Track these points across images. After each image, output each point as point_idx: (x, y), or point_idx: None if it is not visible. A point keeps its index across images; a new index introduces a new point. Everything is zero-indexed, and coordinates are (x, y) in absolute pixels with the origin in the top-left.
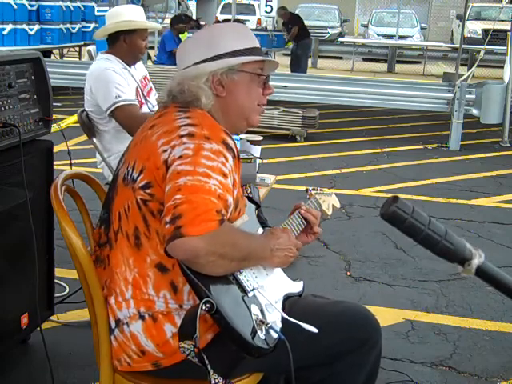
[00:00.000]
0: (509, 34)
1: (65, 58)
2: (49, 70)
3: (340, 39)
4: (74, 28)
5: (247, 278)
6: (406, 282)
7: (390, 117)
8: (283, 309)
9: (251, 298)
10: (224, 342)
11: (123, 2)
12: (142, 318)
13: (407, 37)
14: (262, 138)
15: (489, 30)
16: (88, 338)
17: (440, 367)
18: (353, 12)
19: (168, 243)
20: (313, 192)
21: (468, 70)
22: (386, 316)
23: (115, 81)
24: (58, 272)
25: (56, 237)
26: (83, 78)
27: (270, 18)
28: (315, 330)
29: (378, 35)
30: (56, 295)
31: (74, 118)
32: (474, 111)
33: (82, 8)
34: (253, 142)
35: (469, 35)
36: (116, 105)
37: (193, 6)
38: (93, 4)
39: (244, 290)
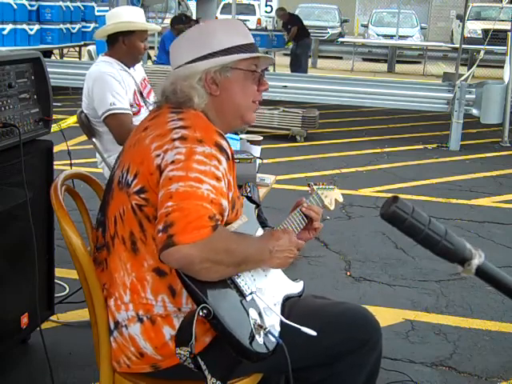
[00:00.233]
0: (509, 33)
1: (65, 58)
2: (49, 69)
3: (340, 39)
4: (74, 28)
5: (245, 281)
6: (406, 282)
7: (390, 117)
8: (283, 310)
9: (249, 301)
10: (222, 345)
11: (123, 2)
12: (140, 320)
13: (407, 37)
14: (262, 138)
15: (489, 29)
16: (88, 338)
17: (440, 367)
18: (353, 12)
19: (161, 252)
20: (315, 187)
21: (468, 69)
22: (386, 316)
23: (112, 88)
24: (58, 272)
25: (56, 237)
26: (83, 78)
27: (269, 18)
28: (314, 333)
29: (378, 35)
30: (56, 295)
31: (75, 118)
32: (474, 111)
33: (82, 8)
34: (253, 142)
35: (469, 35)
36: (109, 112)
37: (193, 6)
38: (93, 4)
39: (242, 294)
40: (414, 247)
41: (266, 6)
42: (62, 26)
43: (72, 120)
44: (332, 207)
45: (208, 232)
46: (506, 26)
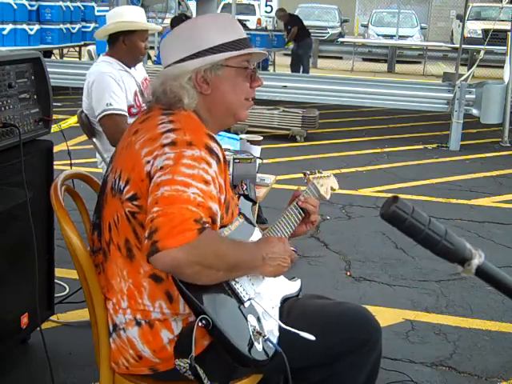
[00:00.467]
0: (509, 33)
1: (65, 58)
2: (49, 69)
3: (340, 39)
4: (74, 28)
5: (243, 287)
6: (406, 282)
7: (390, 117)
8: (281, 312)
9: (248, 307)
10: (220, 349)
11: (123, 2)
12: (138, 324)
13: (407, 37)
14: (262, 138)
15: (489, 29)
16: (88, 338)
17: (440, 367)
18: (353, 12)
19: (148, 258)
20: (310, 177)
21: (468, 69)
22: (386, 316)
23: (111, 88)
24: (58, 272)
25: (56, 237)
26: (83, 78)
27: (269, 18)
28: (312, 338)
29: (378, 35)
30: (56, 295)
31: (76, 118)
32: (474, 111)
33: (82, 8)
34: (253, 142)
35: (469, 35)
36: (105, 112)
37: (193, 5)
38: (93, 4)
39: (240, 300)
40: (414, 247)
41: (266, 5)
42: (61, 26)
43: (73, 120)
44: (328, 196)
45: (194, 235)
46: (506, 25)
